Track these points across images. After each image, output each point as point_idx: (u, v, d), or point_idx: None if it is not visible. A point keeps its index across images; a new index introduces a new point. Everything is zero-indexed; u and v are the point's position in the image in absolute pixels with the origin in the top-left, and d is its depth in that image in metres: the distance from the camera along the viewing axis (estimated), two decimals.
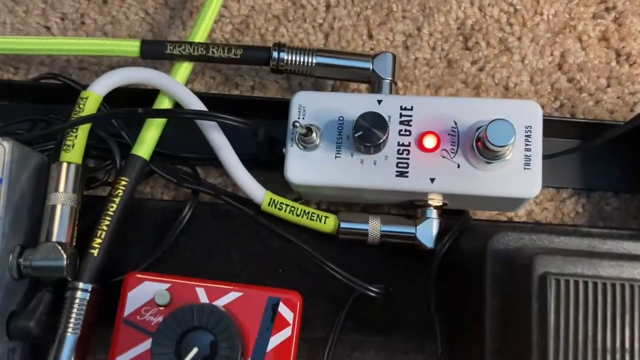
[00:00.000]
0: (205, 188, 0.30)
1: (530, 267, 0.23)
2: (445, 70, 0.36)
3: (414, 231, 0.29)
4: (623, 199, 0.34)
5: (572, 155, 0.34)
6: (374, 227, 0.29)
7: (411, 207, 0.30)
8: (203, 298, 0.25)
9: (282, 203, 0.29)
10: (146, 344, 0.24)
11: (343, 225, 0.29)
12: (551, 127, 0.33)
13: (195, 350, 0.22)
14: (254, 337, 0.25)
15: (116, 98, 0.30)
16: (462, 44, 0.36)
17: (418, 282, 0.29)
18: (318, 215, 0.29)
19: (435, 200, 0.29)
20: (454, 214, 0.30)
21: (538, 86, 0.36)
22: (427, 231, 0.29)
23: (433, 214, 0.29)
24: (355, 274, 0.29)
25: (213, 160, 0.30)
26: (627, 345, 0.22)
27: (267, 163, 0.31)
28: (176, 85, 0.30)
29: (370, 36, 0.36)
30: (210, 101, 0.30)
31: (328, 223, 0.29)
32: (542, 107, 0.35)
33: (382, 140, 0.27)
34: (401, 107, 0.28)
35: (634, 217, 0.34)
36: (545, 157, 0.29)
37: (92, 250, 0.27)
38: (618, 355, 0.22)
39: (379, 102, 0.28)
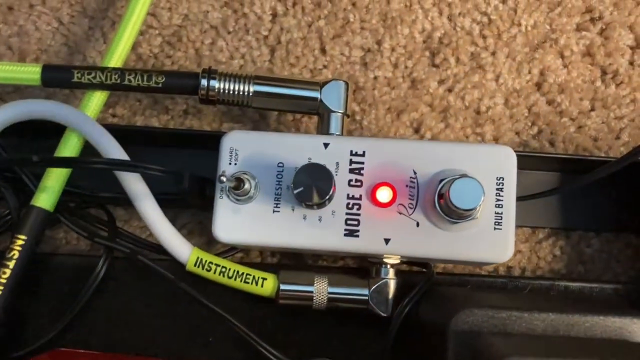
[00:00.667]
0: (120, 244, 0.25)
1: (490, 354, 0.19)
2: (408, 92, 0.31)
3: (367, 294, 0.25)
4: (605, 239, 0.30)
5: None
6: (321, 289, 0.25)
7: (365, 260, 0.26)
8: None
9: (212, 263, 0.25)
10: None
11: (283, 287, 0.25)
12: (527, 159, 0.29)
13: None
14: None
15: (15, 128, 0.25)
16: (429, 60, 0.32)
17: (373, 354, 0.25)
18: (254, 277, 0.25)
19: (393, 259, 0.25)
20: (417, 265, 0.26)
21: (514, 109, 0.31)
22: (382, 295, 0.25)
23: (389, 273, 0.25)
24: (298, 345, 0.25)
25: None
26: None
27: (198, 206, 0.27)
28: (86, 121, 0.25)
29: (324, 51, 0.31)
30: (130, 134, 0.26)
31: (266, 286, 0.25)
32: (518, 133, 0.32)
33: (325, 199, 0.22)
34: (352, 152, 0.24)
35: (617, 260, 0.30)
36: (520, 198, 0.25)
37: None
38: None
39: (326, 145, 0.24)
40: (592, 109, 0.32)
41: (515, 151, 0.25)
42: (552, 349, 0.20)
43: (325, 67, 0.31)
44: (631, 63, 0.32)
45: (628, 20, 0.33)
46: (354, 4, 0.32)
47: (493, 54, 0.32)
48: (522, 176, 0.26)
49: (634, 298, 0.27)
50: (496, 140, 0.31)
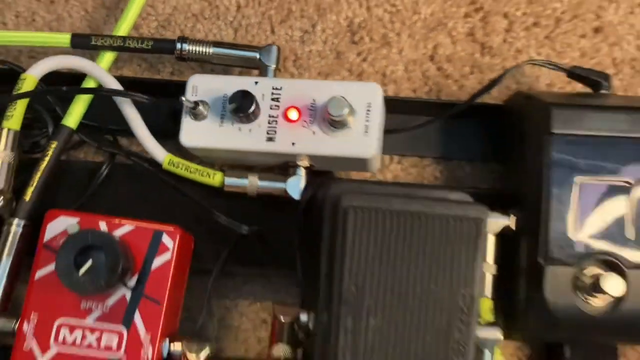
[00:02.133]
0: (119, 151, 0.37)
1: (338, 203, 0.30)
2: (334, 61, 0.43)
3: (284, 185, 0.36)
4: (476, 166, 0.41)
5: (434, 128, 0.41)
6: (252, 182, 0.36)
7: (286, 169, 0.37)
8: (104, 228, 0.32)
9: (179, 163, 0.37)
10: None
11: (227, 180, 0.37)
12: (416, 106, 0.41)
13: (89, 262, 0.30)
14: (142, 259, 0.32)
15: (54, 79, 0.37)
16: (350, 39, 0.43)
17: (289, 226, 0.36)
18: (208, 173, 0.36)
19: (303, 162, 0.36)
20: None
21: (411, 74, 0.43)
22: (295, 185, 0.36)
23: (301, 172, 0.36)
24: (238, 220, 0.36)
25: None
26: (407, 259, 0.29)
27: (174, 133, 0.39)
28: (99, 70, 0.37)
29: (273, 32, 0.43)
30: (133, 84, 0.38)
31: (216, 178, 0.37)
32: (414, 91, 0.43)
33: (250, 111, 0.34)
34: (273, 87, 0.36)
35: (484, 181, 0.41)
36: (408, 129, 0.37)
37: (25, 197, 0.35)
38: (401, 270, 0.29)
39: (256, 83, 0.36)
40: (471, 73, 0.43)
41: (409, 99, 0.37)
42: (384, 197, 0.30)
43: (274, 42, 0.43)
44: (504, 41, 0.44)
45: (503, 9, 0.44)
46: None
47: (398, 34, 0.44)
48: (413, 120, 0.38)
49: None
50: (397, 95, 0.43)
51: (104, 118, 0.39)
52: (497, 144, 0.40)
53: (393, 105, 0.39)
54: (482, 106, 0.40)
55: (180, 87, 0.38)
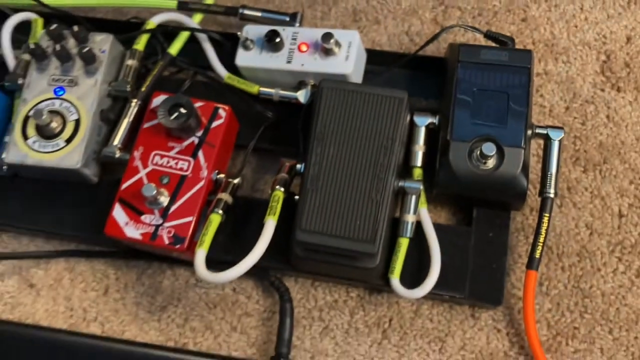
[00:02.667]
0: (199, 69, 0.61)
1: (320, 85, 0.51)
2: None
3: (296, 94, 0.58)
4: (430, 100, 0.61)
5: (403, 75, 0.61)
6: (277, 92, 0.58)
7: (298, 87, 0.59)
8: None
9: (234, 78, 0.59)
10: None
11: (261, 90, 0.59)
12: (387, 57, 0.61)
13: (177, 112, 0.52)
14: (206, 122, 0.54)
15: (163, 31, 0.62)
16: (352, 18, 0.66)
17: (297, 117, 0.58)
18: (250, 85, 0.59)
19: (310, 82, 0.58)
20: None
21: (392, 41, 0.64)
22: (303, 94, 0.57)
23: (308, 87, 0.58)
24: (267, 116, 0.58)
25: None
26: (354, 121, 0.50)
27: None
28: (192, 22, 0.61)
29: (303, 13, 0.66)
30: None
31: (254, 88, 0.59)
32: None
33: (277, 41, 0.56)
34: (293, 32, 0.58)
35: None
36: (381, 72, 0.58)
37: (142, 88, 0.58)
38: (350, 126, 0.50)
39: (283, 29, 0.58)
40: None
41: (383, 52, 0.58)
42: (347, 85, 0.51)
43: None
44: (456, 24, 0.65)
45: (457, 4, 0.65)
46: None
47: (385, 17, 0.65)
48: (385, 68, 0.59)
49: None
50: None
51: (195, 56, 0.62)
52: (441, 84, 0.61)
53: (373, 56, 0.60)
54: (432, 58, 0.61)
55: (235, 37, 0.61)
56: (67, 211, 0.58)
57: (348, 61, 0.56)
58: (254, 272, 0.56)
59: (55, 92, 0.57)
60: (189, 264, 0.57)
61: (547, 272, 0.56)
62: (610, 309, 0.55)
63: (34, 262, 0.59)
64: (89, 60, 0.56)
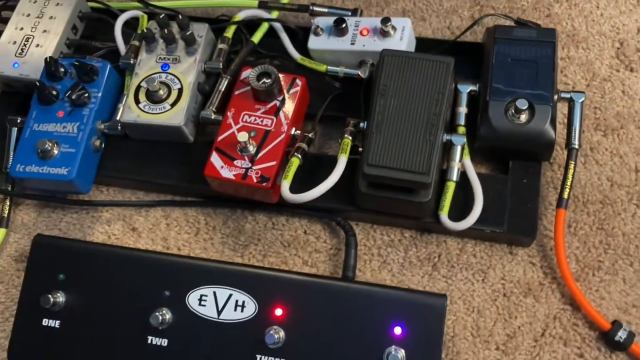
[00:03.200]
0: (278, 53, 0.73)
1: (382, 54, 0.63)
2: None
3: (358, 71, 0.70)
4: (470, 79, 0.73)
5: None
6: (341, 70, 0.70)
7: (360, 65, 0.71)
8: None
9: (305, 59, 0.72)
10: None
11: (329, 68, 0.71)
12: (430, 43, 0.73)
13: (263, 80, 0.64)
14: (285, 89, 0.66)
15: (248, 25, 0.75)
16: (402, 16, 0.78)
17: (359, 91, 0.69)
18: (319, 64, 0.71)
19: (369, 61, 0.70)
20: None
21: (436, 34, 0.77)
22: (364, 70, 0.69)
23: (368, 65, 0.70)
24: (335, 89, 0.70)
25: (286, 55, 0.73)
26: (410, 82, 0.61)
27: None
28: (270, 17, 0.74)
29: (361, 13, 0.79)
30: (286, 27, 0.74)
31: (323, 67, 0.71)
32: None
33: (342, 27, 0.69)
34: (355, 21, 0.71)
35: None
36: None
37: (232, 66, 0.71)
38: (406, 86, 0.61)
39: (347, 18, 0.71)
40: (471, 35, 0.76)
41: (427, 38, 0.71)
42: (406, 53, 0.63)
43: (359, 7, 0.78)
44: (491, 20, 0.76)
45: (492, 4, 0.78)
46: None
47: (429, 14, 0.78)
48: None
49: None
50: None
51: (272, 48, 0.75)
52: (478, 64, 0.72)
53: (420, 44, 0.72)
54: (470, 43, 0.73)
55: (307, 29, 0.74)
56: (168, 165, 0.69)
57: (402, 41, 0.68)
58: (322, 216, 0.67)
59: (162, 67, 0.69)
60: (267, 210, 0.68)
61: (574, 216, 0.65)
62: (630, 246, 0.64)
63: (136, 210, 0.70)
64: (190, 42, 0.69)
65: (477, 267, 0.64)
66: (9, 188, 0.70)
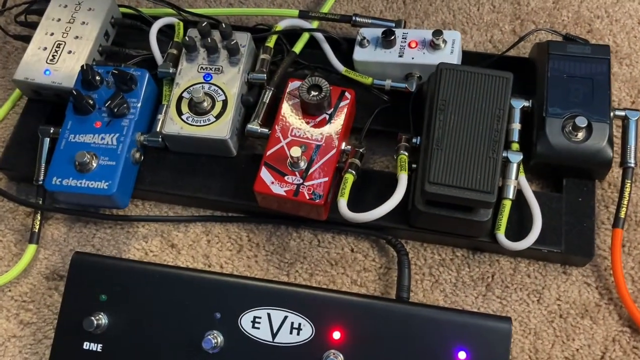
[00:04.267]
0: (322, 65, 0.71)
1: (438, 68, 0.61)
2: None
3: (406, 84, 0.68)
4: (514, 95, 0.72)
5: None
6: (388, 83, 0.68)
7: (406, 78, 0.69)
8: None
9: (350, 71, 0.70)
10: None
11: (375, 81, 0.69)
12: (476, 57, 0.72)
13: (314, 92, 0.62)
14: (334, 102, 0.64)
15: (287, 34, 0.72)
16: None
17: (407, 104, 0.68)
18: (364, 76, 0.69)
19: (416, 74, 0.68)
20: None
21: (477, 47, 0.75)
22: (411, 83, 0.68)
23: (415, 78, 0.68)
24: (381, 102, 0.68)
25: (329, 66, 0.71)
26: (470, 96, 0.60)
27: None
28: (311, 26, 0.72)
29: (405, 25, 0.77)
30: (329, 38, 0.72)
31: (368, 80, 0.69)
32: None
33: (391, 39, 0.67)
34: (402, 33, 0.69)
35: None
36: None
37: (275, 77, 0.68)
38: (466, 100, 0.60)
39: (395, 29, 0.69)
40: (512, 49, 0.75)
41: (473, 52, 0.69)
42: (463, 67, 0.61)
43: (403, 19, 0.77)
44: (534, 36, 0.76)
45: (531, 18, 0.77)
46: None
47: (471, 29, 0.77)
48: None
49: None
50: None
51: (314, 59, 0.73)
52: (524, 79, 0.71)
53: (465, 57, 0.71)
54: (516, 58, 0.71)
55: (352, 41, 0.72)
56: (209, 179, 0.66)
57: (453, 54, 0.67)
58: (370, 233, 0.65)
59: (204, 77, 0.67)
60: (312, 226, 0.66)
61: (628, 235, 0.64)
62: None
63: (174, 226, 0.67)
64: (234, 52, 0.67)
65: (532, 288, 0.63)
66: (40, 202, 0.66)
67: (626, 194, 0.62)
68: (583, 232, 0.62)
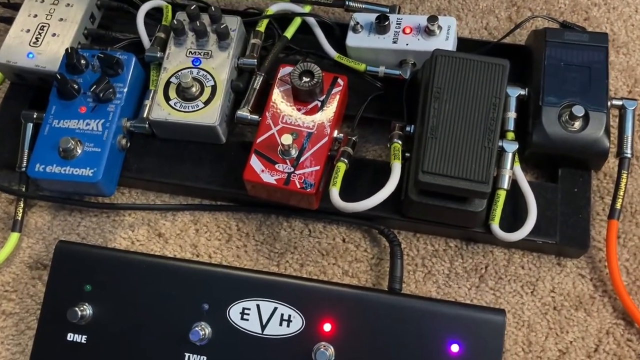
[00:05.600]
0: (313, 50, 0.69)
1: (434, 54, 0.60)
2: None
3: (400, 71, 0.66)
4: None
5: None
6: (382, 70, 0.67)
7: (400, 64, 0.67)
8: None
9: (342, 57, 0.68)
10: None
11: (368, 67, 0.67)
12: (472, 44, 0.71)
13: (305, 78, 0.60)
14: (326, 89, 0.62)
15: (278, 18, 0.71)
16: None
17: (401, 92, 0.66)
18: (357, 63, 0.67)
19: (410, 60, 0.66)
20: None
21: (472, 35, 0.74)
22: (405, 70, 0.66)
23: (409, 65, 0.67)
24: (374, 89, 0.67)
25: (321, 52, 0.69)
26: (466, 83, 0.58)
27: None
28: (303, 10, 0.70)
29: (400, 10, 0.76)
30: (320, 22, 0.70)
31: (362, 66, 0.67)
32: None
33: (385, 24, 0.65)
34: (397, 18, 0.67)
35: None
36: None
37: (265, 63, 0.66)
38: (462, 85, 0.58)
39: (389, 15, 0.67)
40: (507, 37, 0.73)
41: (468, 39, 0.67)
42: (457, 53, 0.60)
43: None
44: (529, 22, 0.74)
45: (527, 5, 0.75)
46: None
47: (466, 15, 0.75)
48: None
49: None
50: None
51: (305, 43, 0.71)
52: (521, 67, 0.69)
53: (461, 43, 0.69)
54: (512, 45, 0.70)
55: (345, 26, 0.70)
56: (198, 167, 0.65)
57: (448, 41, 0.65)
58: (362, 223, 0.63)
59: (193, 62, 0.65)
60: (303, 215, 0.64)
61: (623, 227, 0.64)
62: None
63: (162, 214, 0.66)
64: (224, 36, 0.65)
65: (526, 279, 0.62)
66: (23, 189, 0.64)
67: (622, 185, 0.61)
68: (578, 223, 0.61)
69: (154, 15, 0.71)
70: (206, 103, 0.63)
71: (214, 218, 0.65)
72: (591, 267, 0.62)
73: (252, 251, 0.64)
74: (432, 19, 0.64)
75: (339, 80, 0.64)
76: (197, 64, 0.65)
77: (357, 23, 0.67)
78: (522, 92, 0.64)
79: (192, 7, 0.65)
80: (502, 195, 0.60)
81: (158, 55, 0.66)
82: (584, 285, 0.61)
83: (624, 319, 0.60)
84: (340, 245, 0.64)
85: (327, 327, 0.55)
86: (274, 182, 0.59)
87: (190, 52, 0.66)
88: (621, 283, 0.59)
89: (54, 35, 0.67)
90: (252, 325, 0.55)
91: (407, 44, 0.66)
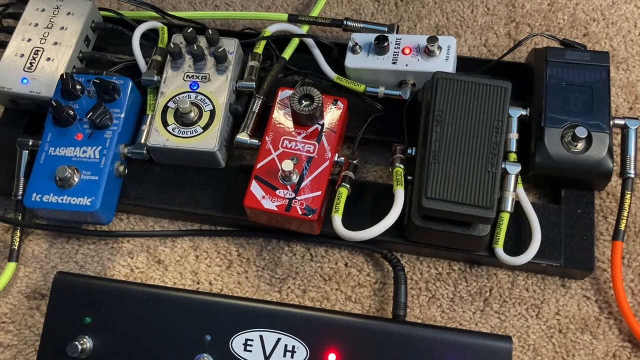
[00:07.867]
0: (311, 72, 0.68)
1: (434, 77, 0.59)
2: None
3: (399, 92, 0.66)
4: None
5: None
6: (381, 90, 0.66)
7: (400, 85, 0.67)
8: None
9: (341, 78, 0.67)
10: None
11: (368, 88, 0.66)
12: (473, 63, 0.70)
13: (305, 102, 0.60)
14: (326, 111, 0.62)
15: (275, 40, 0.70)
16: (435, 32, 0.75)
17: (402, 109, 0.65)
18: (357, 84, 0.67)
19: (410, 81, 0.66)
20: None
21: (472, 52, 0.73)
22: (405, 91, 0.66)
23: (409, 86, 0.66)
24: (374, 110, 0.66)
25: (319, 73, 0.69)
26: (468, 107, 0.58)
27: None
28: (301, 31, 0.69)
29: (399, 30, 0.75)
30: (320, 43, 0.70)
31: (361, 87, 0.67)
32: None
33: (384, 45, 0.65)
34: (396, 39, 0.66)
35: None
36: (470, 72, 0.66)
37: (264, 85, 0.66)
38: (464, 111, 0.57)
39: (388, 35, 0.67)
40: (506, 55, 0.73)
41: (468, 57, 0.67)
42: (458, 76, 0.59)
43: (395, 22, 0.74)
44: (530, 41, 0.74)
45: (527, 21, 0.75)
46: None
47: (464, 32, 0.74)
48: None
49: None
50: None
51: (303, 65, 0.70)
52: (521, 85, 0.69)
53: (460, 62, 0.68)
54: (512, 63, 0.69)
55: (343, 45, 0.69)
56: (197, 192, 0.64)
57: (448, 61, 0.64)
58: (364, 247, 0.63)
59: (190, 86, 0.64)
60: (305, 240, 0.64)
61: (627, 247, 0.63)
62: None
63: (160, 241, 0.65)
64: (221, 59, 0.64)
65: (531, 302, 0.61)
66: (19, 217, 0.63)
67: (626, 206, 0.60)
68: (582, 245, 0.61)
69: (149, 35, 0.70)
70: (205, 128, 0.62)
71: (214, 244, 0.65)
72: (596, 288, 0.62)
73: (253, 277, 0.63)
74: (432, 39, 0.64)
75: (339, 103, 0.63)
76: (195, 88, 0.64)
77: (356, 44, 0.66)
78: (524, 112, 0.63)
79: (189, 30, 0.64)
80: (505, 218, 0.59)
81: (155, 79, 0.65)
82: (589, 307, 0.61)
83: (630, 341, 0.59)
84: (343, 270, 0.63)
85: (331, 357, 0.54)
86: (275, 209, 0.58)
87: (187, 75, 0.65)
88: (627, 305, 0.59)
89: (48, 59, 0.66)
90: (255, 357, 0.54)
91: (406, 65, 0.65)
